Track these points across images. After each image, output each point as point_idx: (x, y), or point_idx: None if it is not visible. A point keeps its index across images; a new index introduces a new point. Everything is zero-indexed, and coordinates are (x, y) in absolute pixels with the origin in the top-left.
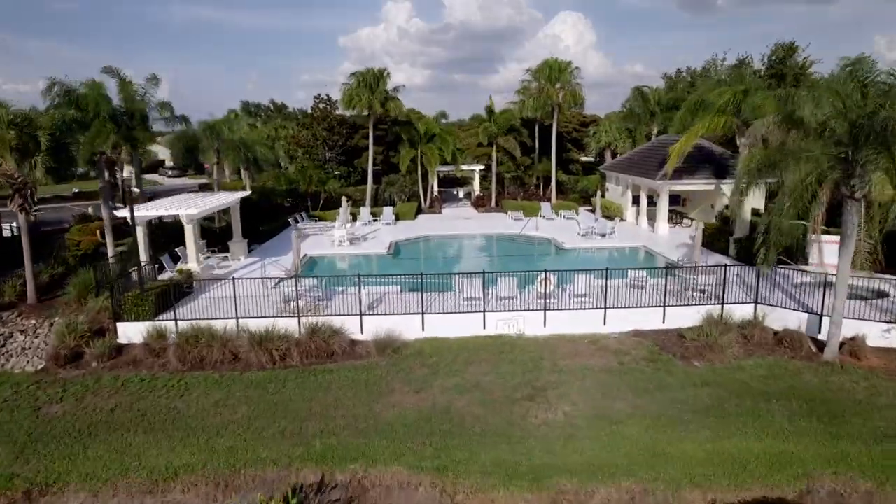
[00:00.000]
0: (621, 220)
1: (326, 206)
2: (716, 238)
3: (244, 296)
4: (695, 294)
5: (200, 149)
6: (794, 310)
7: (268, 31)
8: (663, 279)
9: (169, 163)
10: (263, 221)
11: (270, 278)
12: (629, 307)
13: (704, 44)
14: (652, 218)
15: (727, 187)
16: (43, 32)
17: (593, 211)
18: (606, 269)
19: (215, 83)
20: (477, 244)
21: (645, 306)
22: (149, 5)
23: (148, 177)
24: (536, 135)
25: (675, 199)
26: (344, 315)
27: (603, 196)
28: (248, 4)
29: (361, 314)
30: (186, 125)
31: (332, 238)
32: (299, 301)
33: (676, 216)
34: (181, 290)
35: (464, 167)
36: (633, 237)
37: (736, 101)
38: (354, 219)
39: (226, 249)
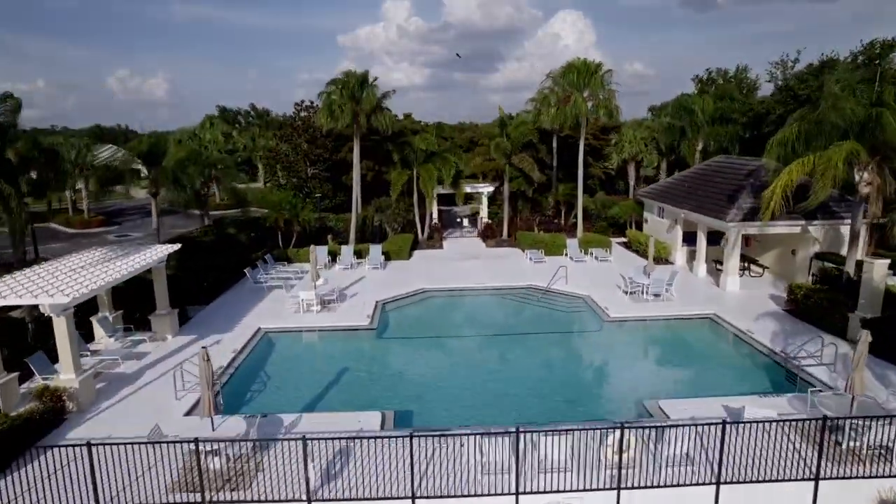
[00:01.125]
0: (668, 261)
1: (301, 241)
2: (820, 307)
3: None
4: (860, 451)
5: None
6: None
7: (267, 30)
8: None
9: (145, 173)
10: (217, 269)
11: (155, 442)
12: (755, 481)
13: (705, 42)
14: (711, 262)
15: (818, 231)
16: (41, 30)
17: (630, 245)
18: (724, 423)
19: (214, 82)
20: (490, 307)
21: (781, 479)
22: (148, 4)
23: (119, 189)
24: (554, 148)
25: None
26: (284, 501)
27: (640, 228)
28: (247, 2)
29: (310, 500)
30: (68, 164)
31: (297, 300)
32: (213, 461)
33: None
34: (41, 422)
35: (468, 189)
36: (694, 296)
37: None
38: (335, 259)
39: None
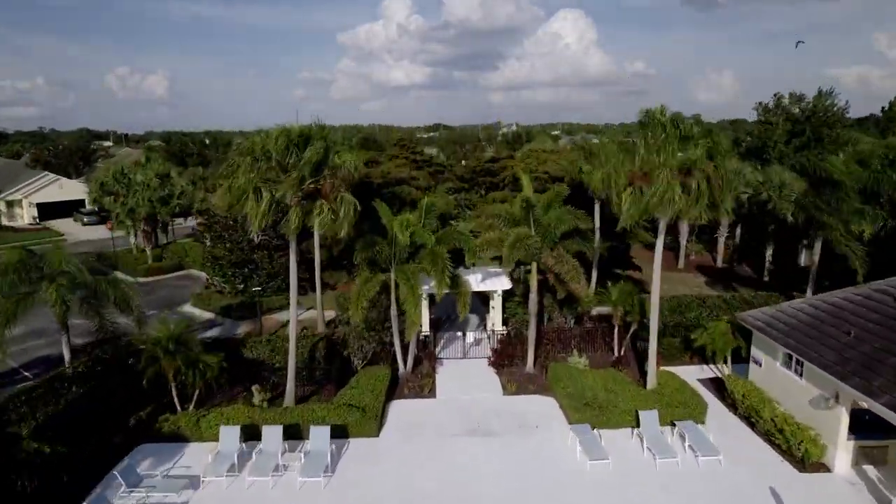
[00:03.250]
0: (818, 462)
1: (207, 394)
2: None
3: None
4: None
5: None
6: None
7: (266, 28)
8: None
9: (89, 205)
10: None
11: None
12: None
13: (705, 42)
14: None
15: None
16: (42, 29)
17: (733, 404)
18: None
19: (214, 81)
20: None
21: None
22: (149, 2)
23: (56, 223)
24: (596, 212)
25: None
26: None
27: (739, 358)
28: (247, 1)
29: None
30: None
31: None
32: None
33: None
34: None
35: (472, 280)
36: None
37: None
38: (257, 437)
39: None
